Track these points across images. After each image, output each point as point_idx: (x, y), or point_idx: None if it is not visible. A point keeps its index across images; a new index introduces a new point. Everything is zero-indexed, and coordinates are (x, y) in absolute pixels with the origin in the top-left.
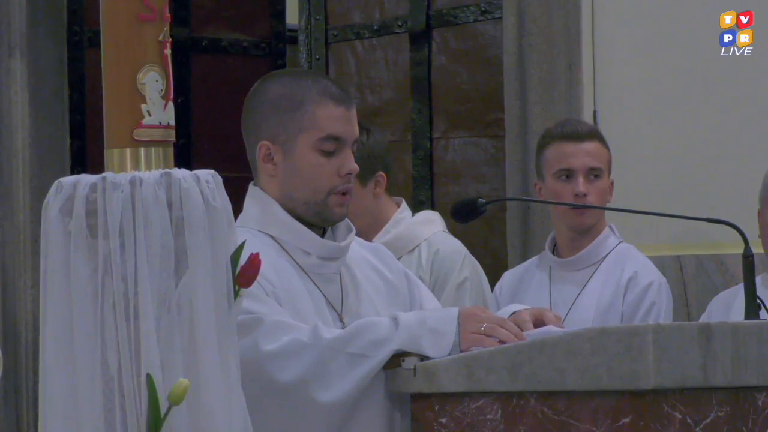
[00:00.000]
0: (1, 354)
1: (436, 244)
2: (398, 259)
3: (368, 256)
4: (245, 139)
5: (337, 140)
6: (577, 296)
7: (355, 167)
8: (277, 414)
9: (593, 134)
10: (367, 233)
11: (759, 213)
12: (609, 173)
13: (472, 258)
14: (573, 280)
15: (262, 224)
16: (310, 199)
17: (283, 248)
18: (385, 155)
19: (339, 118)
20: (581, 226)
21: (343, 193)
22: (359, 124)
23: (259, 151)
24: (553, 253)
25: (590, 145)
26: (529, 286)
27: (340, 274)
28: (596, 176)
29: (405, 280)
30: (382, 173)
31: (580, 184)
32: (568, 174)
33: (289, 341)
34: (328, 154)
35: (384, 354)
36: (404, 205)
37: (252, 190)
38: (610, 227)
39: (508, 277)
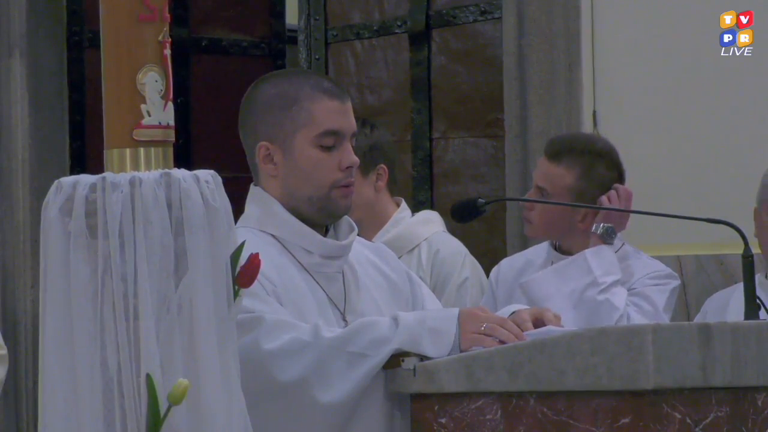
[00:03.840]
0: (6, 352)
1: (436, 244)
2: (397, 258)
3: (370, 256)
4: (243, 143)
5: (335, 134)
6: None
7: (356, 160)
8: (278, 414)
9: (562, 154)
10: (364, 227)
11: (755, 212)
12: (572, 197)
13: (473, 258)
14: None
15: (264, 224)
16: (314, 194)
17: (284, 247)
18: (389, 150)
19: (335, 112)
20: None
21: (346, 186)
22: (365, 119)
23: (258, 153)
24: (555, 249)
25: (548, 165)
26: None
27: (342, 272)
28: (544, 195)
29: (407, 280)
30: (383, 166)
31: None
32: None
33: (290, 340)
34: (328, 149)
35: (384, 353)
36: (404, 204)
37: (253, 191)
38: None
39: (505, 265)
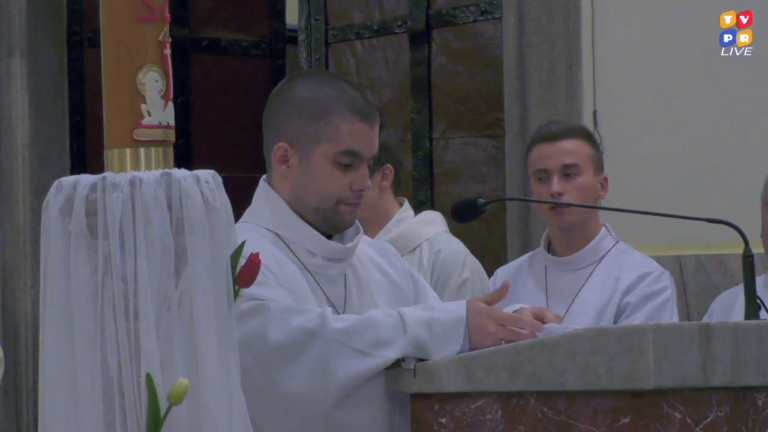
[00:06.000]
0: (2, 354)
1: (437, 244)
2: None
3: (375, 256)
4: (264, 136)
5: (355, 155)
6: (576, 296)
7: (368, 184)
8: (279, 412)
9: (572, 132)
10: (366, 227)
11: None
12: (595, 170)
13: (474, 258)
14: (570, 279)
15: (269, 222)
16: (320, 206)
17: (287, 247)
18: (396, 150)
19: (361, 135)
20: (563, 225)
21: (354, 204)
22: None
23: (275, 151)
24: (548, 251)
25: (566, 143)
26: (525, 283)
27: (345, 274)
28: (572, 174)
29: (410, 281)
30: (389, 166)
31: (555, 184)
32: (545, 175)
33: (297, 330)
34: (344, 167)
35: (388, 358)
36: (407, 204)
37: (262, 187)
38: (605, 227)
39: (500, 273)
